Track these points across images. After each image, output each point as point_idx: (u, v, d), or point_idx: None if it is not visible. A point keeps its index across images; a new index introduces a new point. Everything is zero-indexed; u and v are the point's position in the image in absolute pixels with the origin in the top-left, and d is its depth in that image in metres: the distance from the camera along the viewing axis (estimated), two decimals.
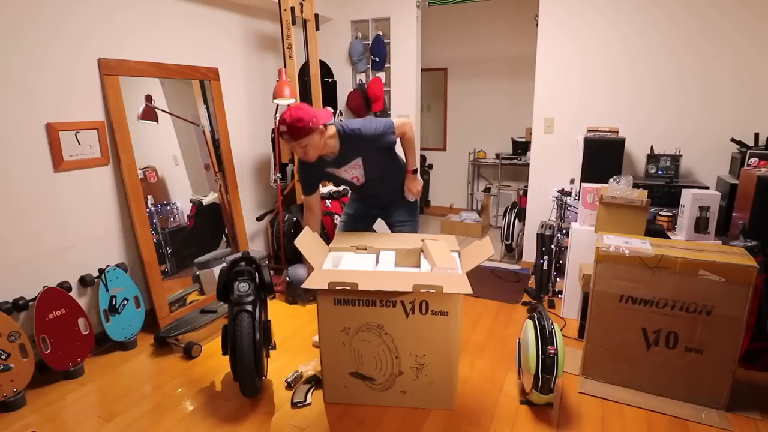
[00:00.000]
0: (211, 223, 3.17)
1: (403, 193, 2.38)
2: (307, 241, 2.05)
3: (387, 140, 2.15)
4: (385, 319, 1.89)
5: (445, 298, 1.83)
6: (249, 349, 1.95)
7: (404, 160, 2.35)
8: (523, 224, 3.79)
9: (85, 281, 2.40)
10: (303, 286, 1.84)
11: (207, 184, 3.13)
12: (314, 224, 2.32)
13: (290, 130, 1.92)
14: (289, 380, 2.16)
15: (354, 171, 2.21)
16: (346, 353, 1.95)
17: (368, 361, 1.96)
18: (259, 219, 3.60)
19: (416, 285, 1.77)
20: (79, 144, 2.37)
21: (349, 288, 1.80)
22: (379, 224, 2.52)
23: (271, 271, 2.66)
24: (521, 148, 4.75)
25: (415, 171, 2.33)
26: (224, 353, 2.09)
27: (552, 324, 1.93)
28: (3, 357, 2.00)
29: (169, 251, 2.80)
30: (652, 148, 3.08)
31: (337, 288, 1.81)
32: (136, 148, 2.58)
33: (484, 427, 1.90)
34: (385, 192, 2.37)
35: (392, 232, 2.45)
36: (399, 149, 2.29)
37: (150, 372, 2.32)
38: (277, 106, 3.24)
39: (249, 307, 2.01)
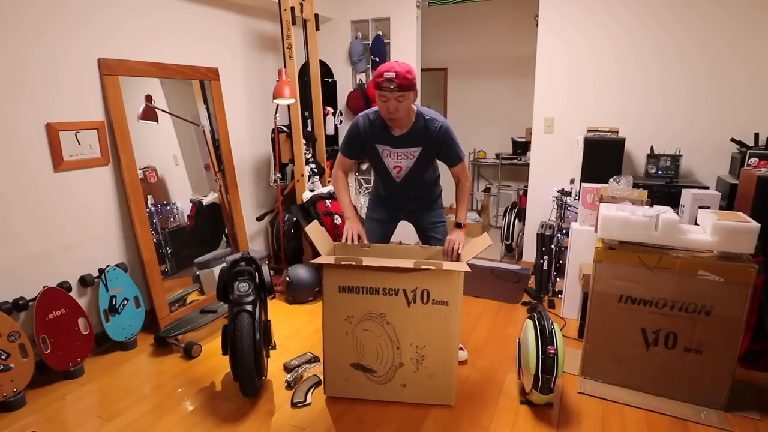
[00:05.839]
0: (211, 223, 3.16)
1: (428, 200, 2.32)
2: (316, 229, 2.08)
3: (455, 155, 2.09)
4: (388, 308, 1.91)
5: (445, 287, 1.86)
6: (249, 349, 1.95)
7: (438, 173, 2.30)
8: (523, 224, 3.79)
9: (85, 281, 2.41)
10: (311, 262, 1.92)
11: (207, 184, 3.13)
12: (343, 186, 2.21)
13: (399, 78, 1.84)
14: (289, 380, 2.17)
15: (404, 160, 2.09)
16: (349, 343, 1.97)
17: (370, 351, 1.97)
18: (259, 219, 3.60)
19: (418, 261, 1.83)
20: (79, 144, 2.37)
21: (354, 264, 1.84)
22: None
23: (271, 271, 2.66)
24: (521, 148, 4.74)
25: (460, 225, 2.14)
26: (224, 353, 2.09)
27: (552, 324, 1.93)
28: (3, 357, 2.00)
29: (169, 251, 2.80)
30: (652, 148, 3.08)
31: (342, 263, 1.85)
32: (136, 148, 2.58)
33: (484, 426, 1.90)
34: (414, 195, 2.28)
35: (425, 235, 2.33)
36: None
37: (150, 372, 2.32)
38: (277, 106, 3.24)
39: (249, 307, 2.01)
